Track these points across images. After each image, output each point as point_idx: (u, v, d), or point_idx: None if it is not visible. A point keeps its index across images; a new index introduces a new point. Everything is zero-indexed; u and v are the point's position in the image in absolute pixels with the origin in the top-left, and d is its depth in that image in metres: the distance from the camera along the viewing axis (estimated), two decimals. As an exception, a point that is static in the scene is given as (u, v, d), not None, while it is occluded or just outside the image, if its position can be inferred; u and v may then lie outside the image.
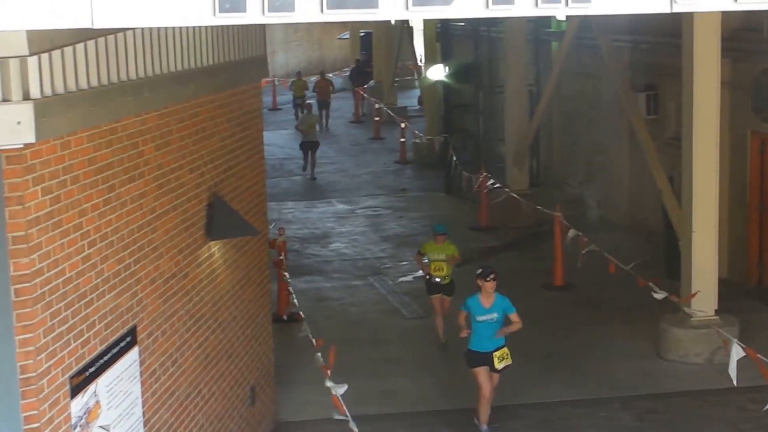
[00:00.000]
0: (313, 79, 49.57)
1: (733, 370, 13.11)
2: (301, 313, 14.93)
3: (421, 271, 18.82)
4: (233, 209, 12.05)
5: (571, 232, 19.15)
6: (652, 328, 17.33)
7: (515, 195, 24.67)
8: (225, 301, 12.20)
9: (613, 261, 17.47)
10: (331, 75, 54.77)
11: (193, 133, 11.13)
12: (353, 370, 16.29)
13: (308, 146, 34.48)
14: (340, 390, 11.84)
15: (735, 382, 13.20)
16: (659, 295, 15.93)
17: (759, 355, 13.02)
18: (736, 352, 13.36)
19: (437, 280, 17.90)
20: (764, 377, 12.93)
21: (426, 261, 18.03)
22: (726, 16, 16.69)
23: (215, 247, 11.77)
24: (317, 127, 35.33)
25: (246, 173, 13.14)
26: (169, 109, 10.40)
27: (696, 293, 16.43)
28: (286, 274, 18.83)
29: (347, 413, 11.26)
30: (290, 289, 18.24)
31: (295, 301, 15.73)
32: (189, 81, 10.86)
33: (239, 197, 12.76)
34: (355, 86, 50.84)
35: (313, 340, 13.61)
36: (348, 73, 56.27)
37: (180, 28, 10.36)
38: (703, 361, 16.45)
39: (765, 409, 13.63)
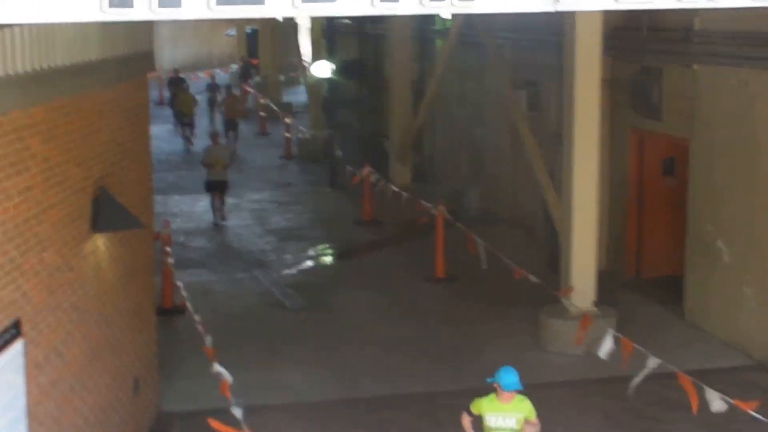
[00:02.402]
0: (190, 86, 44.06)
1: (603, 352, 13.49)
2: (188, 303, 14.92)
3: None
4: (119, 202, 12.04)
5: (482, 249, 19.15)
6: (532, 320, 17.67)
7: (399, 190, 24.90)
8: (110, 294, 12.18)
9: (513, 265, 17.66)
10: (219, 71, 53.07)
11: (80, 127, 11.09)
12: (237, 361, 16.35)
13: (215, 186, 27.01)
14: (223, 373, 11.95)
15: (603, 356, 13.56)
16: (534, 278, 16.38)
17: (635, 345, 13.39)
18: (611, 341, 13.75)
19: None
20: (641, 368, 13.28)
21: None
22: (607, 15, 17.06)
23: (101, 240, 11.75)
24: (227, 162, 27.31)
25: (132, 167, 13.12)
26: (57, 103, 10.36)
27: (571, 289, 16.79)
28: (170, 261, 18.75)
29: (232, 400, 11.33)
30: (177, 282, 18.21)
31: (183, 292, 15.70)
32: (76, 75, 10.83)
33: (125, 191, 12.73)
34: (241, 83, 50.70)
35: (199, 327, 13.66)
36: (235, 70, 56.11)
37: (67, 22, 10.33)
38: (582, 352, 16.78)
39: (630, 390, 14.05)
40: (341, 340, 17.91)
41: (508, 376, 10.85)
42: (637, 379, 12.81)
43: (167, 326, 18.21)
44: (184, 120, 39.58)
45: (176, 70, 46.48)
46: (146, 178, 13.92)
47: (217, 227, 26.56)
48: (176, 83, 43.88)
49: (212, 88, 44.31)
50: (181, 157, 37.15)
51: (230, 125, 38.76)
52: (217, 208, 26.99)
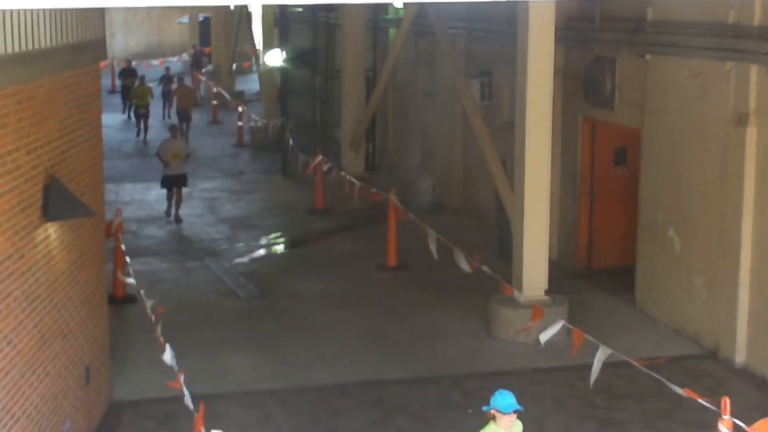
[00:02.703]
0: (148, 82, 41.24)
1: (545, 336, 13.61)
2: (142, 291, 14.86)
3: None
4: (69, 191, 11.98)
5: (431, 238, 19.10)
6: (483, 308, 17.74)
7: (351, 178, 24.90)
8: (61, 282, 12.11)
9: (470, 258, 17.69)
10: (172, 59, 53.15)
11: (31, 115, 11.01)
12: (188, 350, 16.32)
13: (173, 182, 25.89)
14: (169, 356, 11.94)
15: (542, 343, 13.87)
16: (485, 269, 16.50)
17: (587, 335, 13.48)
18: (556, 329, 13.86)
19: None
20: (591, 356, 13.37)
21: None
22: (560, 4, 17.14)
23: (51, 229, 11.68)
24: (185, 155, 26.20)
25: (83, 155, 13.05)
26: (7, 90, 10.28)
27: (512, 290, 16.86)
28: (122, 248, 18.66)
29: (184, 390, 11.30)
30: (128, 270, 18.11)
31: (132, 280, 15.62)
32: (27, 63, 10.75)
33: (76, 179, 12.67)
34: (192, 71, 50.46)
35: (151, 314, 13.60)
36: (187, 58, 55.87)
37: (18, 9, 10.24)
38: (533, 340, 16.85)
39: (592, 382, 14.14)
40: (292, 328, 17.91)
41: (505, 398, 9.86)
42: (595, 367, 12.87)
43: (119, 315, 18.16)
44: (140, 111, 38.57)
45: (128, 61, 45.38)
46: (97, 167, 13.85)
47: (170, 222, 25.78)
48: (128, 74, 42.91)
49: (166, 79, 43.14)
50: (134, 146, 36.95)
51: (183, 116, 37.93)
52: (174, 205, 25.96)
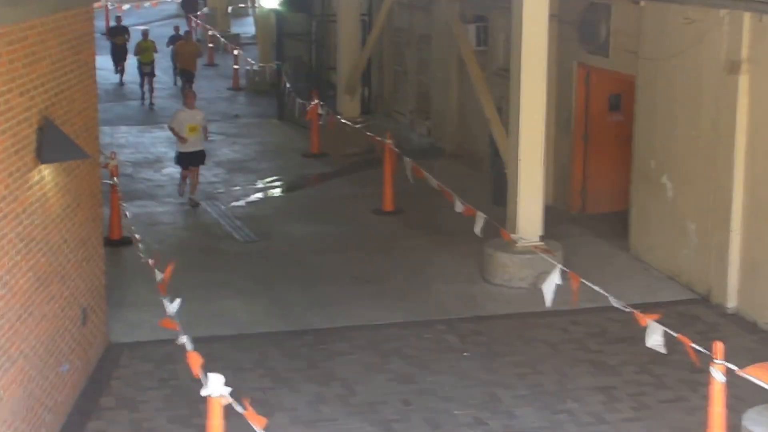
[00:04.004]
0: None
1: (548, 292, 13.65)
2: (137, 235, 14.92)
3: None
4: (63, 133, 11.97)
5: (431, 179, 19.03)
6: (478, 253, 17.80)
7: (346, 122, 24.88)
8: (56, 224, 12.14)
9: (465, 203, 17.71)
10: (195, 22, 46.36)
11: (23, 56, 10.97)
12: (185, 293, 16.31)
13: (189, 159, 22.12)
14: (173, 307, 11.95)
15: (548, 303, 13.75)
16: (478, 228, 16.50)
17: (582, 279, 13.55)
18: (558, 276, 13.91)
19: None
20: (586, 301, 13.50)
21: None
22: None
23: (46, 171, 11.69)
24: (203, 131, 22.29)
25: (77, 97, 13.03)
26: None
27: (511, 236, 16.87)
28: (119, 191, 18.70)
29: (180, 330, 11.35)
30: (125, 212, 18.18)
31: (129, 225, 15.69)
32: (18, 3, 10.69)
33: (70, 121, 12.66)
34: (186, 14, 50.14)
35: (149, 260, 13.62)
36: (180, 1, 55.43)
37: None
38: (528, 285, 16.95)
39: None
40: (288, 272, 17.98)
41: None
42: (547, 287, 12.97)
43: (116, 257, 18.21)
44: (143, 69, 34.39)
45: (119, 18, 40.86)
46: (92, 109, 13.83)
47: (192, 206, 22.03)
48: (118, 32, 38.26)
49: (176, 39, 36.59)
50: (129, 89, 36.78)
51: (185, 76, 34.16)
52: (191, 185, 22.21)
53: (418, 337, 15.20)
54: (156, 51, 35.09)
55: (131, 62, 36.65)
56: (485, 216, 16.91)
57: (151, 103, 34.15)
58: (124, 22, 40.61)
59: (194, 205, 22.02)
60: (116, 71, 37.98)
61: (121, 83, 37.81)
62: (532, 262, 16.86)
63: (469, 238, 18.54)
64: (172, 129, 22.20)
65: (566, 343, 14.92)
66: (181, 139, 21.73)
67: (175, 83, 36.88)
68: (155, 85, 34.94)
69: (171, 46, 36.50)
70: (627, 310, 12.44)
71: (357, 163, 25.28)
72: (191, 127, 21.85)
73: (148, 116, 31.95)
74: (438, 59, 26.74)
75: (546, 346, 14.83)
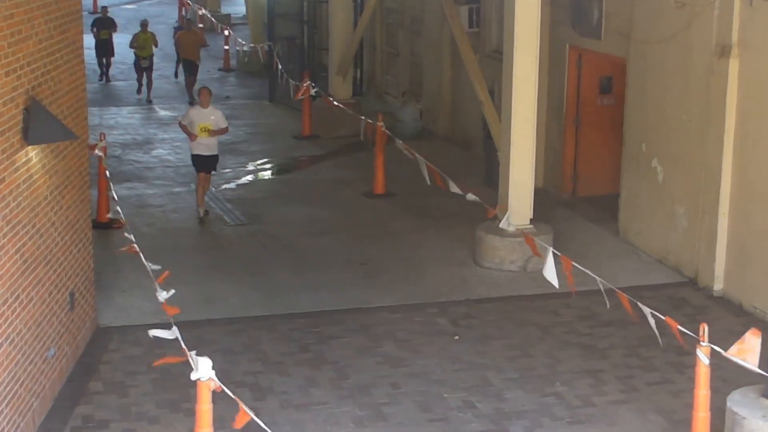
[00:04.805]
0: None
1: (552, 276, 13.58)
2: (122, 219, 14.82)
3: None
4: (50, 113, 11.89)
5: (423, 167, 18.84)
6: (469, 236, 17.77)
7: (339, 104, 24.79)
8: (43, 207, 12.07)
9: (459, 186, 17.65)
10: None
11: (9, 35, 10.88)
12: (174, 276, 16.28)
13: (199, 164, 19.96)
14: (164, 295, 11.88)
15: (557, 285, 13.63)
16: (472, 197, 16.47)
17: (573, 263, 13.52)
18: (551, 259, 13.89)
19: None
20: (577, 284, 13.46)
21: None
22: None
23: (33, 152, 11.61)
24: (219, 128, 19.94)
25: (65, 77, 12.93)
26: (-16, 9, 10.17)
27: (504, 207, 16.83)
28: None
29: (171, 319, 11.30)
30: (113, 195, 18.06)
31: (118, 208, 15.56)
32: (4, -19, 10.62)
33: (58, 101, 12.57)
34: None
35: (150, 269, 13.18)
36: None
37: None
38: (518, 268, 16.95)
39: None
40: (279, 255, 17.94)
41: None
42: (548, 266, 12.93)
43: (104, 240, 18.14)
44: (141, 63, 31.52)
45: (104, 8, 35.77)
46: (79, 89, 13.72)
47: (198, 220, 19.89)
48: (104, 25, 34.03)
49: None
50: (117, 69, 36.57)
51: (189, 68, 31.42)
52: (198, 194, 20.04)
53: (409, 320, 15.18)
54: (156, 45, 32.04)
55: (119, 59, 34.77)
56: (477, 198, 16.85)
57: (149, 100, 31.49)
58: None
59: (202, 217, 19.81)
60: (101, 73, 34.16)
61: (107, 79, 34.23)
62: (523, 246, 16.76)
63: (459, 221, 18.55)
64: (182, 126, 20.12)
65: (557, 327, 14.92)
66: (191, 136, 19.74)
67: (176, 75, 34.17)
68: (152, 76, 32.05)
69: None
70: (605, 287, 12.38)
71: (349, 145, 25.19)
72: (204, 127, 19.72)
73: (138, 98, 31.70)
74: (430, 41, 26.65)
75: (537, 329, 14.82)
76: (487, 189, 19.02)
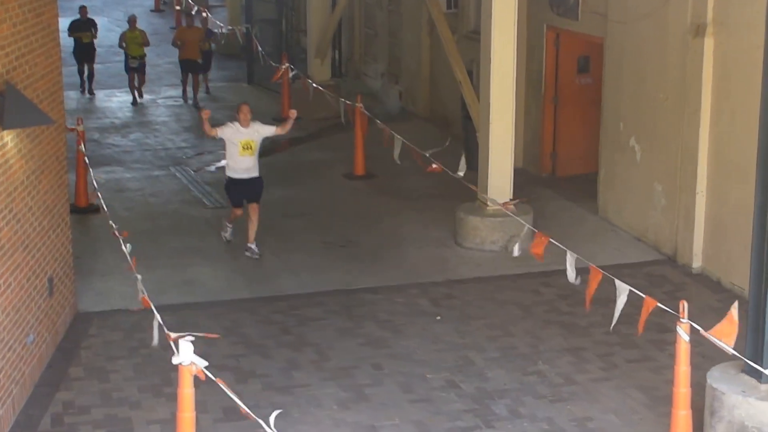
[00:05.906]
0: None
1: (516, 248, 13.67)
2: (103, 205, 14.77)
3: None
4: (26, 97, 11.81)
5: (398, 145, 18.77)
6: (450, 217, 17.77)
7: (317, 86, 24.72)
8: (20, 192, 12.00)
9: (415, 149, 17.67)
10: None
11: (-17, 19, 10.83)
12: (154, 260, 16.30)
13: (242, 190, 16.93)
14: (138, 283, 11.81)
15: (516, 253, 13.93)
16: (461, 172, 16.43)
17: (551, 239, 13.52)
18: (528, 236, 13.93)
19: None
20: (556, 263, 13.45)
21: None
22: None
23: (8, 137, 11.54)
24: (259, 143, 16.98)
25: (40, 61, 12.84)
26: (-43, -7, 10.09)
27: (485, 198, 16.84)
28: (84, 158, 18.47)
29: (152, 306, 11.23)
30: (93, 181, 18.00)
31: (97, 192, 15.51)
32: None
33: (33, 85, 12.49)
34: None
35: (117, 233, 13.31)
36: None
37: None
38: (499, 248, 16.96)
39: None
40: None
41: None
42: (570, 272, 12.91)
43: (83, 225, 18.08)
44: (130, 64, 28.59)
45: (83, 8, 30.18)
46: (55, 73, 13.63)
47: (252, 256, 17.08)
48: (83, 27, 29.58)
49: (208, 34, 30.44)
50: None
51: (189, 67, 28.85)
52: (249, 227, 16.90)
53: (390, 301, 15.18)
54: (147, 44, 29.00)
55: (106, 65, 32.72)
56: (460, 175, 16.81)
57: (135, 102, 28.78)
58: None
59: (253, 253, 16.88)
60: (81, 83, 29.89)
61: (90, 92, 29.80)
62: (503, 225, 16.85)
63: (440, 202, 18.54)
64: (210, 131, 16.73)
65: (538, 305, 14.94)
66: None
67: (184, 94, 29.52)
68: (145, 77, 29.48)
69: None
70: (582, 264, 12.38)
71: (328, 127, 25.13)
72: (245, 144, 16.65)
73: (115, 80, 31.45)
74: (409, 22, 26.60)
75: (518, 309, 14.84)
76: (467, 170, 18.98)
